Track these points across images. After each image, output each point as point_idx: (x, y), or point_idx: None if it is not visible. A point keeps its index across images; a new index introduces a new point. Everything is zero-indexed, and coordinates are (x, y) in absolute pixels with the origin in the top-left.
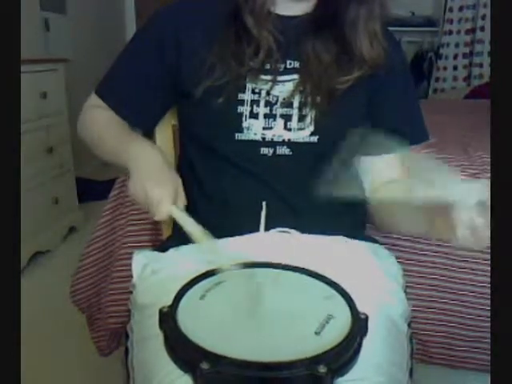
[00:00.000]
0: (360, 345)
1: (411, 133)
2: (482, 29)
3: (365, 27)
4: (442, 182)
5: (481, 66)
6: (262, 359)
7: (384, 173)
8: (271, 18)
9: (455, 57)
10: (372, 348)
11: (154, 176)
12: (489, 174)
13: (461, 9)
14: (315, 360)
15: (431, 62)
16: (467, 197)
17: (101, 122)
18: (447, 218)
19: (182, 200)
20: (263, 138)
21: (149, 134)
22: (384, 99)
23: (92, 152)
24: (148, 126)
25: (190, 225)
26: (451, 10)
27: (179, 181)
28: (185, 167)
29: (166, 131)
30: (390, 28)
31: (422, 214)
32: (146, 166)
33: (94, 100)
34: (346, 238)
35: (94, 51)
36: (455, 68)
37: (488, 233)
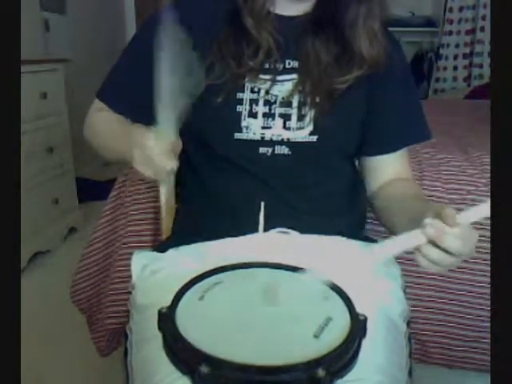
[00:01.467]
0: (359, 346)
1: (412, 132)
2: (482, 29)
3: (364, 26)
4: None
5: (481, 66)
6: (261, 362)
7: (386, 171)
8: (271, 19)
9: (455, 57)
10: (371, 348)
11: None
12: (488, 175)
13: (461, 9)
14: (314, 363)
15: (431, 63)
16: (413, 243)
17: (104, 124)
18: None
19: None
20: (262, 138)
21: None
22: (384, 99)
23: (99, 154)
24: (151, 125)
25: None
26: (451, 10)
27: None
28: (184, 167)
29: None
30: (390, 28)
31: None
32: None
33: (97, 103)
34: (344, 238)
35: (94, 51)
36: (455, 68)
37: (449, 260)
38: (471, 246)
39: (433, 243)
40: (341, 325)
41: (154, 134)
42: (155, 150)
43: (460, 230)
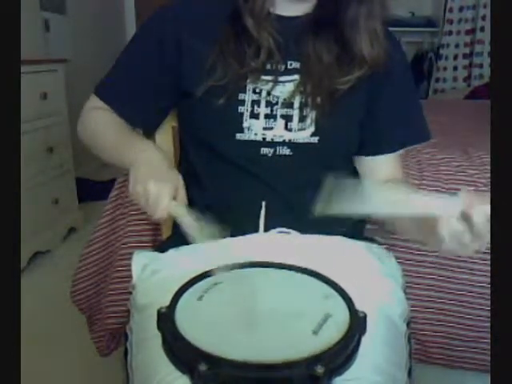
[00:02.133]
0: (358, 343)
1: (411, 132)
2: (482, 29)
3: (365, 26)
4: (423, 197)
5: (481, 66)
6: (259, 360)
7: (382, 172)
8: (271, 19)
9: (455, 57)
10: (371, 347)
11: (152, 173)
12: (488, 175)
13: (461, 9)
14: (313, 360)
15: (431, 63)
16: (448, 209)
17: (101, 124)
18: (433, 230)
19: (182, 197)
20: (263, 139)
21: (149, 136)
22: (384, 99)
23: (93, 153)
24: (149, 126)
25: (188, 223)
26: (451, 10)
27: (180, 178)
28: (185, 168)
29: (166, 133)
30: (390, 28)
31: (414, 224)
32: (145, 165)
33: (93, 101)
34: (345, 238)
35: (94, 51)
36: (455, 68)
37: (471, 240)
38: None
39: (462, 216)
40: (340, 321)
41: (174, 206)
42: (152, 194)
43: (488, 211)
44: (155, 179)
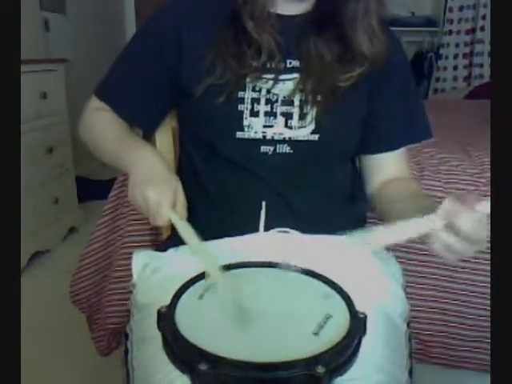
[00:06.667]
0: (359, 344)
1: (413, 130)
2: (482, 29)
3: (362, 23)
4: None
5: (481, 66)
6: (260, 360)
7: (386, 170)
8: (271, 20)
9: (455, 57)
10: (371, 347)
11: (151, 180)
12: (488, 174)
13: (461, 9)
14: (313, 360)
15: (431, 62)
16: (431, 225)
17: (101, 125)
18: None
19: (182, 203)
20: (264, 137)
21: (149, 136)
22: (386, 97)
23: (94, 154)
24: (149, 126)
25: (187, 234)
26: (451, 10)
27: (178, 184)
28: (185, 168)
29: (165, 133)
30: (390, 28)
31: None
32: (144, 171)
33: (94, 102)
34: (345, 238)
35: (94, 51)
36: (455, 68)
37: (464, 247)
38: (483, 235)
39: (447, 227)
40: (340, 322)
41: (172, 212)
42: (152, 202)
43: (476, 215)
44: (153, 185)
